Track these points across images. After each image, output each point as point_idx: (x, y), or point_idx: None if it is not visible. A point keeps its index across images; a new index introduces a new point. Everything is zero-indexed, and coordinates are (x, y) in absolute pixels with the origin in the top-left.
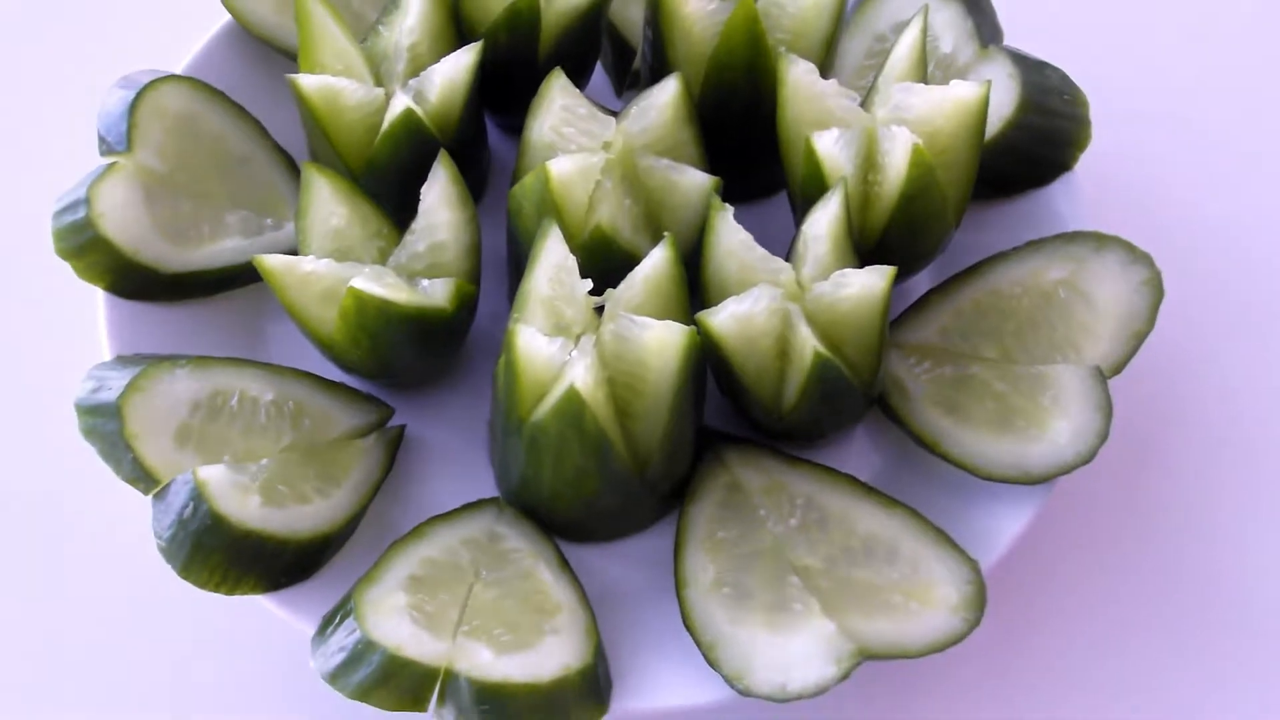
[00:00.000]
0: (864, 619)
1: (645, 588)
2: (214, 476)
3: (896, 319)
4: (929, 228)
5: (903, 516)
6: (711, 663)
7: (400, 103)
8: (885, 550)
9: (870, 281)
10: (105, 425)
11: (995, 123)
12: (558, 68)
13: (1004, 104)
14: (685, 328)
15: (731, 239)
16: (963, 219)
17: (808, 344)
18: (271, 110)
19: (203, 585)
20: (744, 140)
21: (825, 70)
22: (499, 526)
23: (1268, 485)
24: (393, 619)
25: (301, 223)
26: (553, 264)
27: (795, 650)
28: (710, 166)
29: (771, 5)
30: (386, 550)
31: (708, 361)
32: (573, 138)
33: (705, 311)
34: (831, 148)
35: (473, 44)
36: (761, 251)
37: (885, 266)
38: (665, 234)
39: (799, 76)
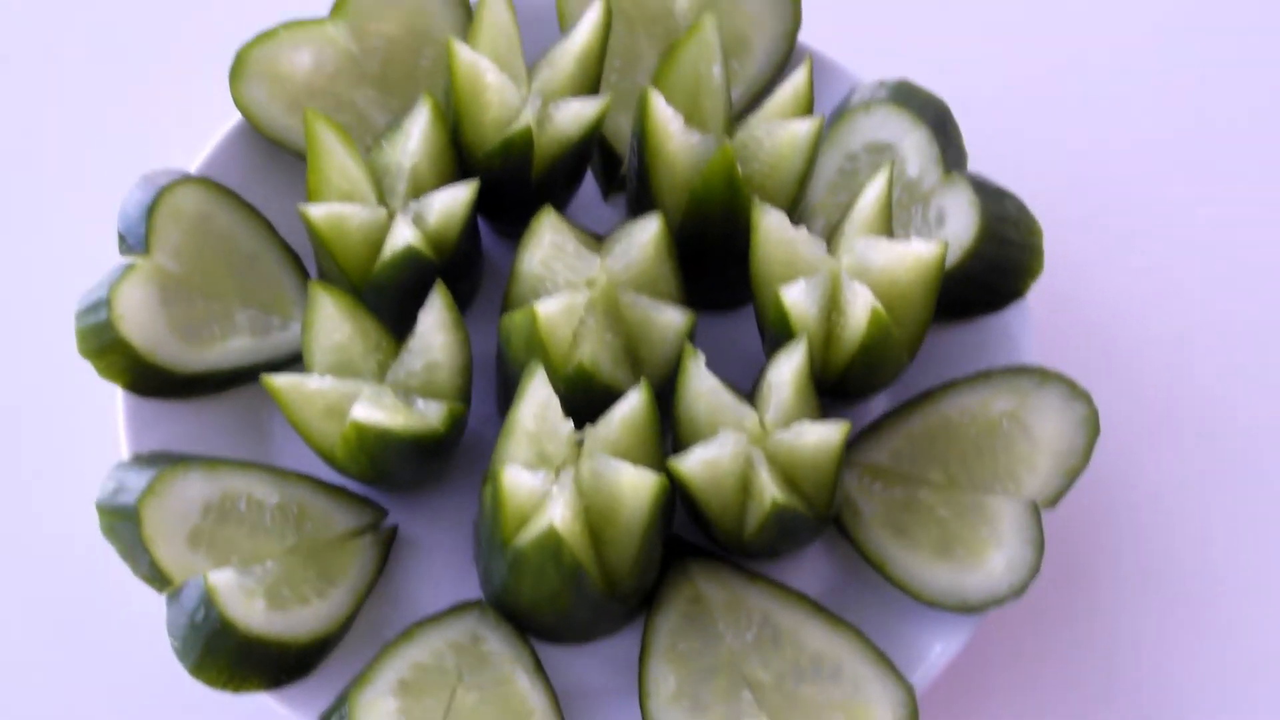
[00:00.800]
0: None
1: (613, 689)
2: (223, 581)
3: (854, 439)
4: (885, 366)
5: (847, 636)
6: None
7: (401, 236)
8: (831, 669)
9: (827, 433)
10: (124, 527)
11: (955, 252)
12: (548, 204)
13: (964, 233)
14: (657, 476)
15: (701, 384)
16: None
17: (766, 490)
18: (279, 208)
19: (211, 684)
20: (720, 264)
21: (797, 201)
22: (481, 629)
23: (1195, 608)
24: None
25: (307, 337)
26: (537, 402)
27: None
28: (688, 285)
29: (750, 139)
30: (379, 653)
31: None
32: (560, 272)
33: (675, 457)
34: (799, 298)
35: (471, 180)
36: (729, 397)
37: (842, 421)
38: (642, 378)
39: (770, 224)
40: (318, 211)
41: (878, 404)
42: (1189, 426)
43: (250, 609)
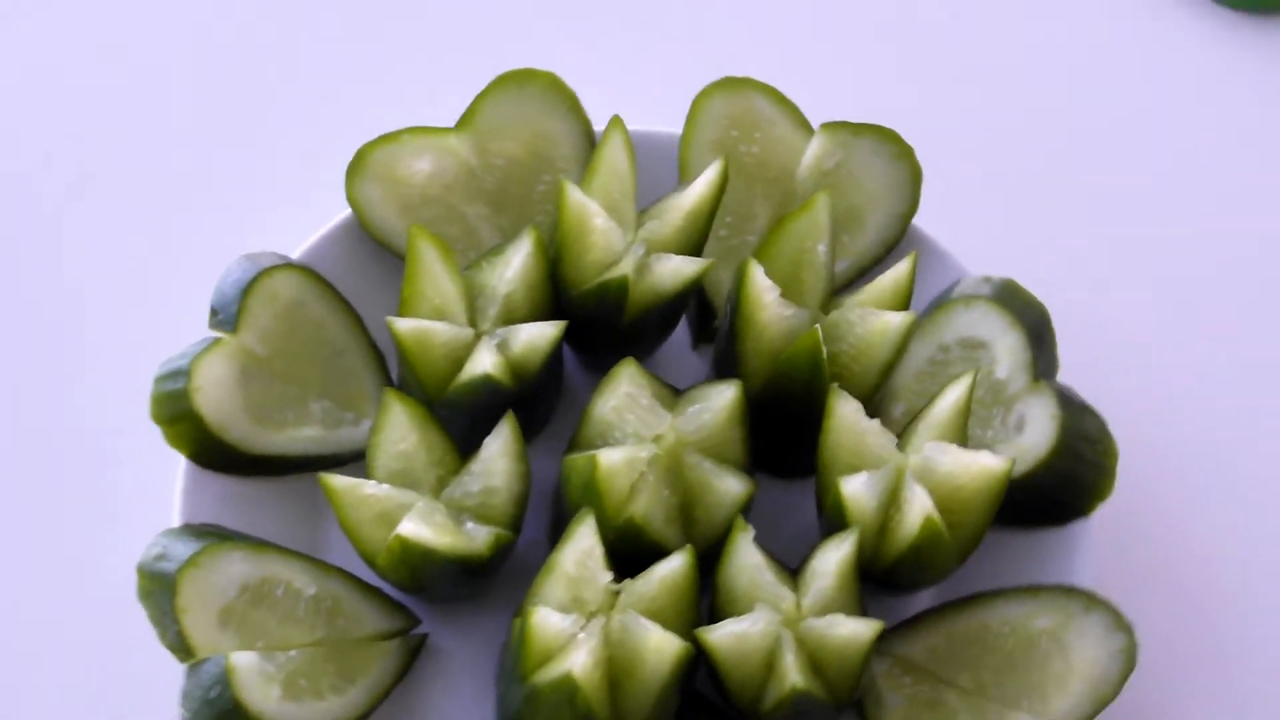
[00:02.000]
0: None
1: None
2: (243, 664)
3: (893, 629)
4: (934, 567)
5: None
6: None
7: (482, 363)
8: None
9: (860, 630)
10: (161, 593)
11: (1028, 462)
12: (630, 356)
13: (1040, 444)
14: (681, 643)
15: (745, 559)
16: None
17: (789, 675)
18: (373, 306)
19: None
20: (793, 436)
21: (877, 390)
22: None
23: None
24: None
25: (374, 439)
26: (581, 549)
27: None
28: (756, 445)
29: (842, 320)
30: None
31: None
32: (630, 423)
33: (705, 628)
34: (859, 491)
35: (560, 321)
36: (770, 577)
37: (875, 621)
38: (688, 545)
39: (845, 412)
40: (405, 326)
41: (922, 597)
42: (1234, 664)
43: (265, 694)
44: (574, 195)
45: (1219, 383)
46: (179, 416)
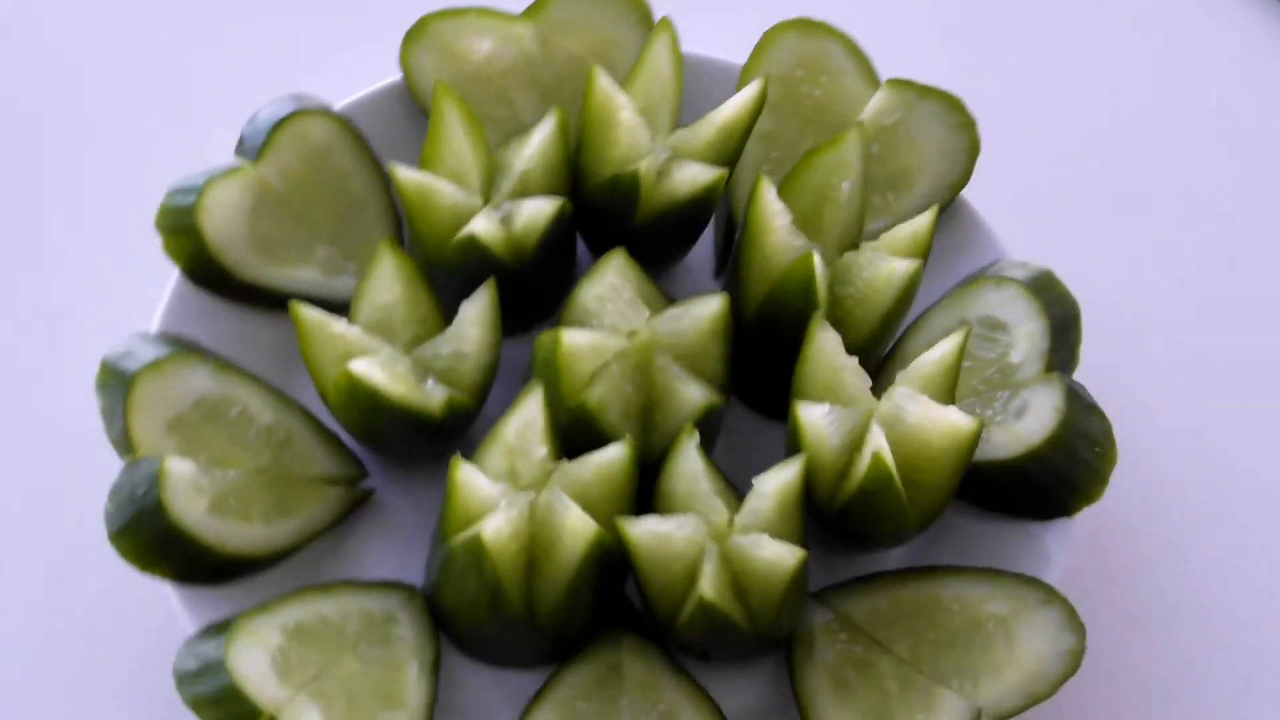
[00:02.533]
0: None
1: (488, 717)
2: (177, 470)
3: (843, 584)
4: (886, 518)
5: None
6: None
7: (477, 224)
8: None
9: (782, 554)
10: (115, 387)
11: (1019, 447)
12: (622, 247)
13: (1035, 433)
14: (595, 527)
15: (686, 464)
16: (952, 519)
17: (704, 583)
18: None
19: (124, 555)
20: (784, 368)
21: (877, 341)
22: (401, 612)
23: None
24: (255, 654)
25: (360, 286)
26: (524, 419)
27: None
28: (744, 380)
29: (853, 263)
30: (292, 593)
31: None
32: (609, 314)
33: (627, 519)
34: (817, 419)
35: (557, 199)
36: (707, 486)
37: (799, 549)
38: (628, 436)
39: (823, 342)
40: (408, 175)
41: (887, 562)
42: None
43: (192, 503)
44: (602, 83)
45: (1243, 404)
46: (181, 229)
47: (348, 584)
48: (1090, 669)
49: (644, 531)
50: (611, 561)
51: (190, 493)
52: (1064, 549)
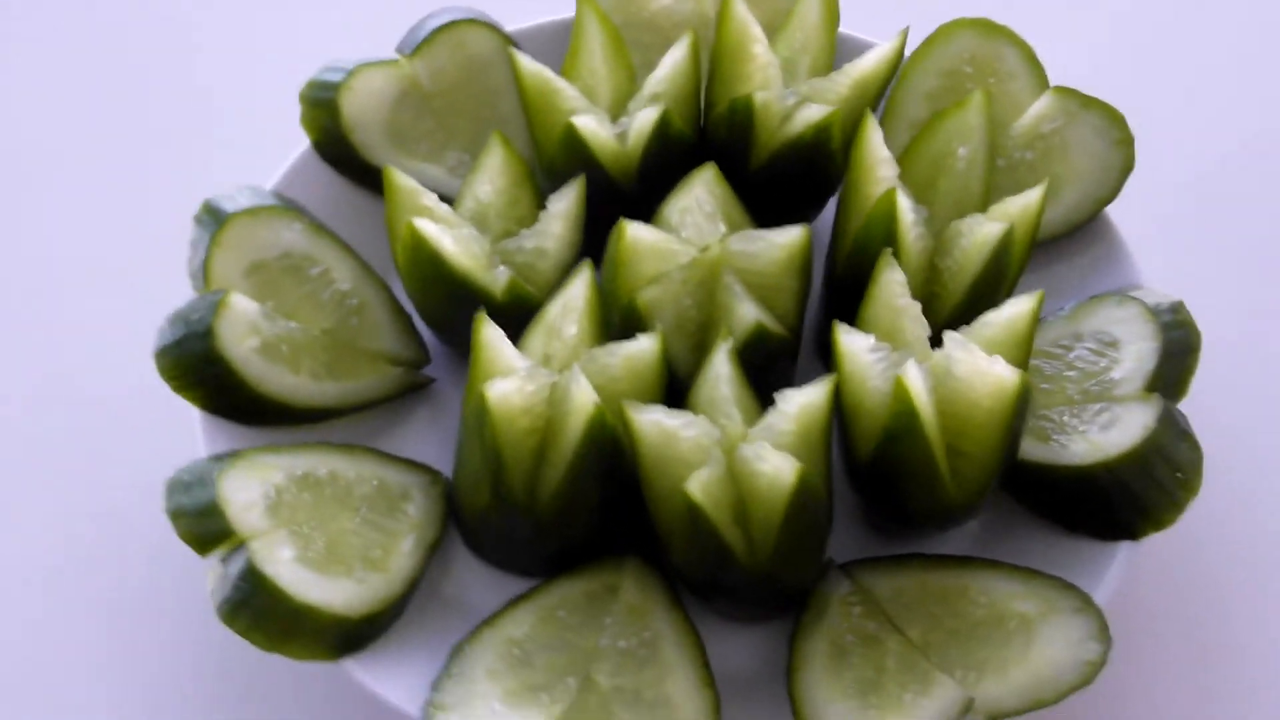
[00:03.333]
0: None
1: (472, 611)
2: (238, 304)
3: (875, 559)
4: (916, 483)
5: (699, 706)
6: (433, 704)
7: (585, 120)
8: (661, 707)
9: (781, 468)
10: (209, 224)
11: (1094, 455)
12: (711, 162)
13: (1116, 445)
14: (597, 402)
15: (716, 368)
16: (1011, 523)
17: (693, 484)
18: None
19: (162, 373)
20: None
21: (965, 311)
22: (417, 491)
23: None
24: (249, 482)
25: (469, 175)
26: (566, 299)
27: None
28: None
29: (955, 231)
30: (313, 444)
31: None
32: (688, 225)
33: (636, 404)
34: (859, 347)
35: (660, 105)
36: (729, 393)
37: (799, 463)
38: (659, 332)
39: (888, 281)
40: (530, 67)
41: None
42: None
43: (240, 338)
44: (737, 11)
45: None
46: (321, 103)
47: (373, 452)
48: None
49: (649, 421)
50: (616, 456)
51: (244, 328)
52: (1119, 572)
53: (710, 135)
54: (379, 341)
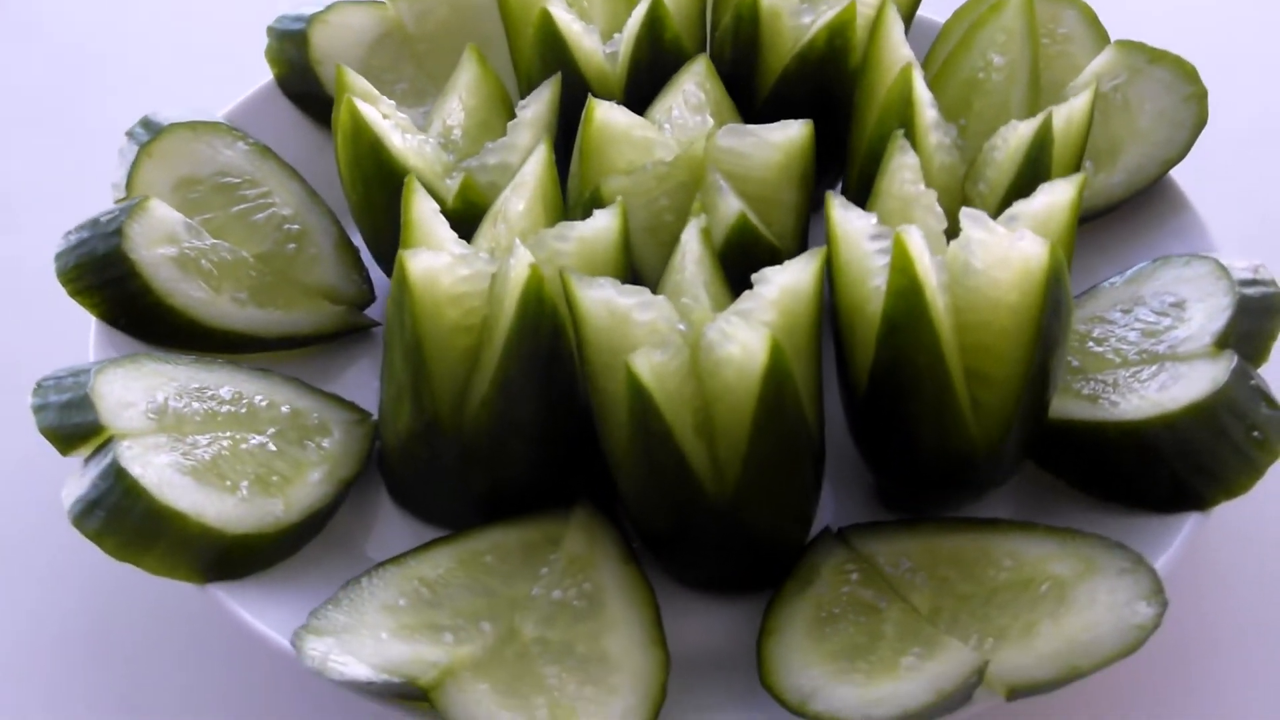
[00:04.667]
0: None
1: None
2: (157, 210)
3: (877, 523)
4: (921, 402)
5: (643, 664)
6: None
7: (561, 16)
8: (594, 663)
9: (752, 346)
10: (142, 135)
11: (1153, 411)
12: (703, 55)
13: (1175, 399)
14: (534, 266)
15: (685, 249)
16: (1056, 503)
17: (639, 359)
18: None
19: (61, 276)
20: None
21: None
22: (338, 428)
23: None
24: (130, 383)
25: (441, 98)
26: (520, 180)
27: (392, 652)
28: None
29: (990, 149)
30: (220, 362)
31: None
32: (676, 118)
33: (580, 278)
34: (853, 221)
35: (641, 10)
36: (697, 275)
37: (773, 338)
38: (619, 201)
39: (899, 167)
40: None
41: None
42: None
43: (152, 244)
44: None
45: None
46: (289, 36)
47: (294, 381)
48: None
49: (597, 299)
50: (557, 357)
51: (159, 235)
52: (1183, 549)
53: (716, 44)
54: (318, 274)
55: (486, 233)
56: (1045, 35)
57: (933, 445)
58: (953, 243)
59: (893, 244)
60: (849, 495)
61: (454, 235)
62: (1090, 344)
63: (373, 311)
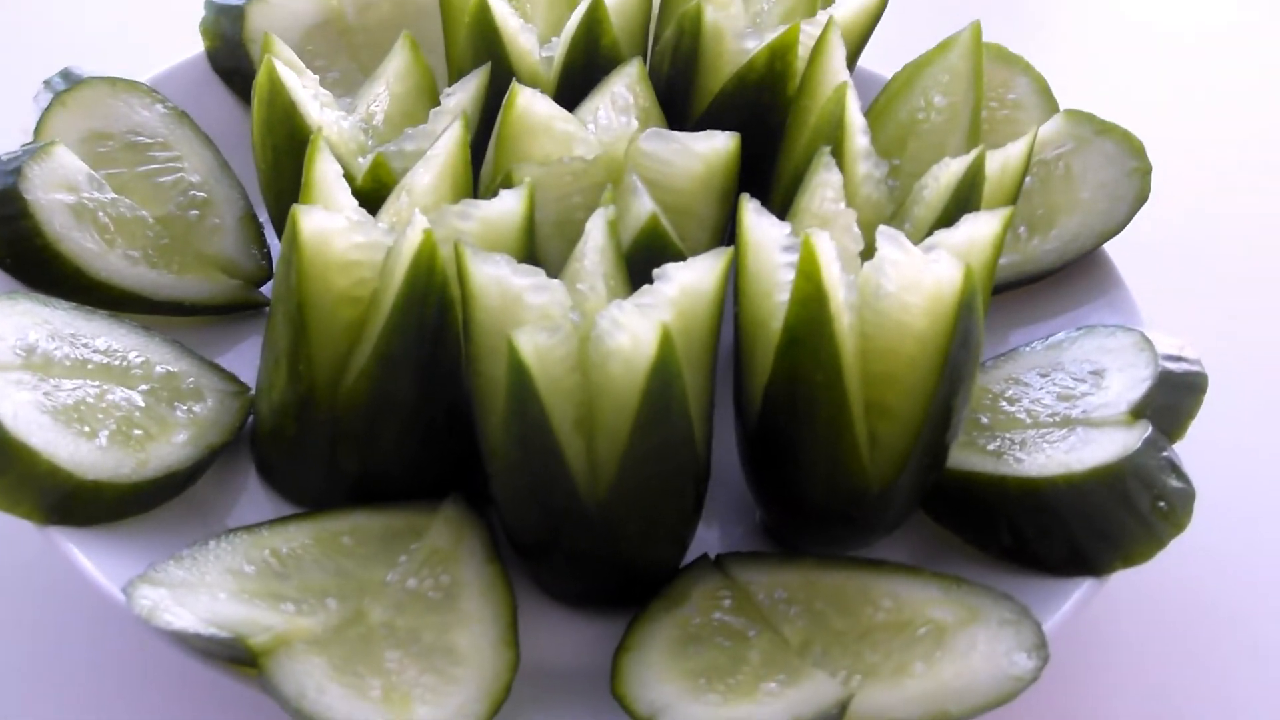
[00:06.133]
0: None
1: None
2: (62, 157)
3: (757, 553)
4: (815, 427)
5: (490, 662)
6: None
7: (499, 7)
8: (439, 654)
9: (643, 334)
10: (58, 85)
11: (1052, 467)
12: (640, 59)
13: (1081, 460)
14: (428, 231)
15: (588, 239)
16: (949, 558)
17: (522, 337)
18: None
19: None
20: None
21: None
22: (213, 397)
23: None
24: (4, 320)
25: (370, 82)
26: (429, 155)
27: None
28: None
29: (920, 187)
30: (105, 314)
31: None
32: (602, 118)
33: (474, 251)
34: (768, 235)
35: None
36: (597, 266)
37: (666, 327)
38: (528, 183)
39: (821, 182)
40: None
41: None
42: None
43: (51, 190)
44: None
45: None
46: (226, 11)
47: (177, 344)
48: None
49: (489, 275)
50: (440, 343)
51: (59, 181)
52: (1073, 611)
53: (654, 73)
54: (217, 244)
55: (390, 206)
56: (994, 99)
57: (823, 477)
58: (866, 264)
59: (800, 247)
60: (732, 530)
61: (355, 203)
62: (1002, 403)
63: (270, 290)
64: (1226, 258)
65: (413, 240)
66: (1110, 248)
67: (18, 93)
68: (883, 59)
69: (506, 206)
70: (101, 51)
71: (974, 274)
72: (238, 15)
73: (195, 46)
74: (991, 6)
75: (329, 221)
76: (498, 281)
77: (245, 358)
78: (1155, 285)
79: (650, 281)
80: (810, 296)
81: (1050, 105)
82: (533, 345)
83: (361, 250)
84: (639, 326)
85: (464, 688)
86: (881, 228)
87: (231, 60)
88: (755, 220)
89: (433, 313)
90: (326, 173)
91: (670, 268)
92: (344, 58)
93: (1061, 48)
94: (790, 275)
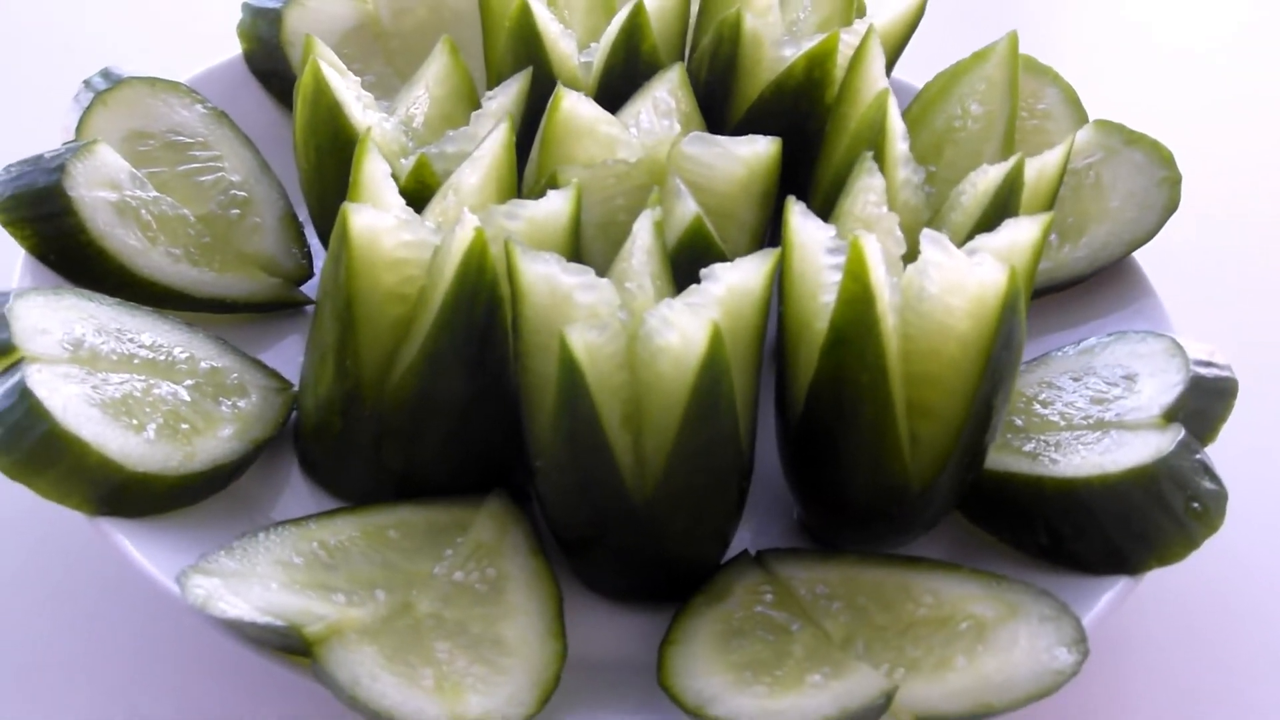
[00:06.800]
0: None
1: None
2: (104, 154)
3: (796, 549)
4: (858, 429)
5: (538, 653)
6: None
7: (542, 13)
8: (488, 645)
9: (693, 332)
10: (99, 84)
11: (1087, 469)
12: (679, 63)
13: (1116, 462)
14: (479, 229)
15: (636, 239)
16: (984, 558)
17: (574, 335)
18: None
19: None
20: None
21: None
22: (257, 393)
23: None
24: (47, 313)
25: (409, 86)
26: (480, 153)
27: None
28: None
29: (958, 194)
30: (149, 311)
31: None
32: (644, 122)
33: (521, 248)
34: (815, 241)
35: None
36: (645, 265)
37: (712, 323)
38: (575, 184)
39: (864, 187)
40: None
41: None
42: None
43: (93, 186)
44: None
45: None
46: (263, 13)
47: (221, 341)
48: None
49: (539, 273)
50: (489, 341)
51: (102, 178)
52: (1108, 610)
53: (696, 59)
54: (258, 242)
55: (436, 206)
56: (1024, 109)
57: (865, 476)
58: (909, 267)
59: (848, 249)
60: (771, 528)
61: (402, 201)
62: (1036, 406)
63: (310, 289)
64: (1254, 265)
65: (463, 238)
66: (1140, 255)
67: (59, 92)
68: (900, 68)
69: (554, 207)
70: (140, 52)
71: (1018, 276)
72: (275, 18)
73: (232, 49)
74: (1017, 19)
75: (378, 220)
76: (547, 279)
77: (286, 355)
78: (1184, 292)
79: (696, 282)
80: (857, 297)
81: (1080, 115)
82: (583, 342)
83: (409, 248)
84: (689, 324)
85: (513, 678)
86: (926, 231)
87: (269, 63)
88: (801, 223)
89: (482, 310)
90: (375, 172)
91: (718, 268)
92: (379, 62)
93: (1090, 59)
94: (835, 277)
